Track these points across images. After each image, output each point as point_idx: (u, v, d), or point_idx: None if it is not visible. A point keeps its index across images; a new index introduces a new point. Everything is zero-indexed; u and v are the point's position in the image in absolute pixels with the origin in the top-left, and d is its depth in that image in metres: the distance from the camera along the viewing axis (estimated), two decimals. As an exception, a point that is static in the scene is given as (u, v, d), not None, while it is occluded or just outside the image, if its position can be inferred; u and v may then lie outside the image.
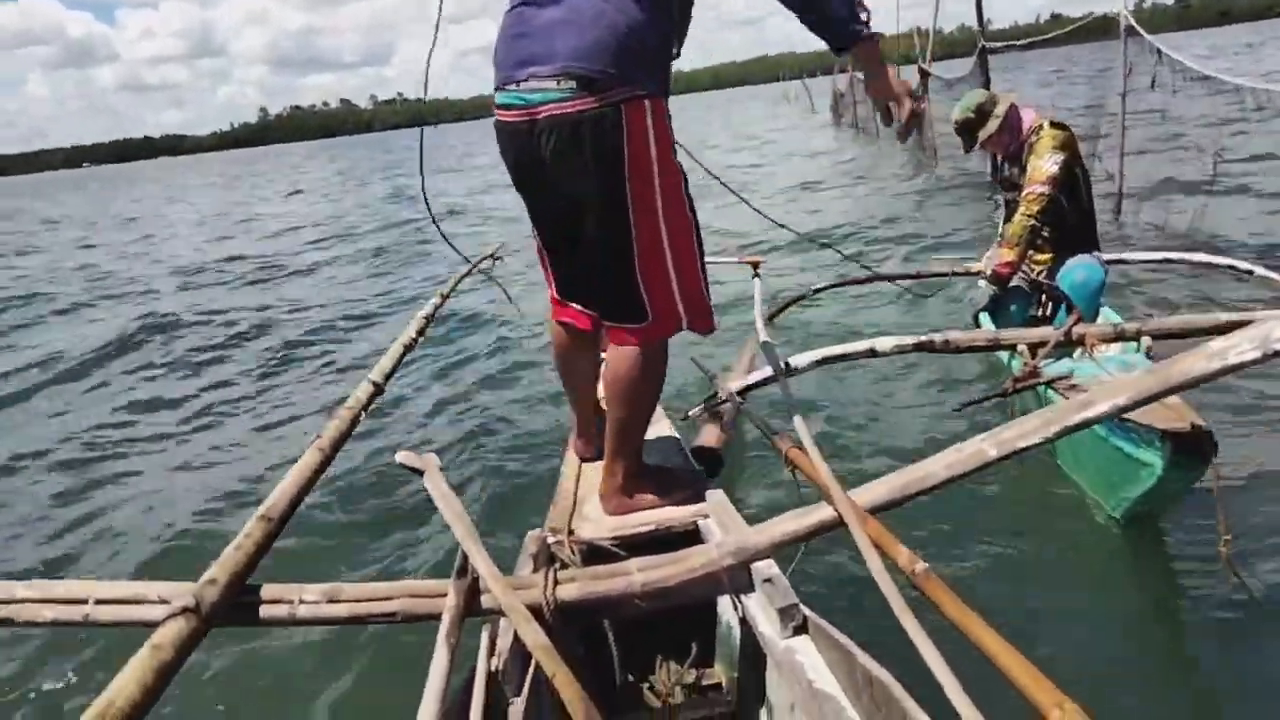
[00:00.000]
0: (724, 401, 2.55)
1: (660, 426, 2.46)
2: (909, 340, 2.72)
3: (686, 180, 1.82)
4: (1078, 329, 2.63)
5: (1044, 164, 3.33)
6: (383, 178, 25.73)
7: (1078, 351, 2.69)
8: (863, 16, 1.79)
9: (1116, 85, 6.85)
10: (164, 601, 1.44)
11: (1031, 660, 1.06)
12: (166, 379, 5.64)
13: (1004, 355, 3.13)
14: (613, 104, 1.68)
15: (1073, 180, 3.38)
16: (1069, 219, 3.41)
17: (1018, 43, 10.50)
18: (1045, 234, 3.41)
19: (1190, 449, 1.93)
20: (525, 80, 1.75)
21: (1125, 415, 1.94)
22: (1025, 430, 1.46)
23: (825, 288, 4.34)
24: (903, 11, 14.14)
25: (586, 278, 1.95)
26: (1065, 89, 18.83)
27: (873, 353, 2.75)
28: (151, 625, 1.36)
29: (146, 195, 33.22)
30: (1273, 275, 3.59)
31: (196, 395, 5.11)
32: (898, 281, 4.42)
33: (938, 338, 2.70)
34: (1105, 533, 2.42)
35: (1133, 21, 6.61)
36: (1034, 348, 2.63)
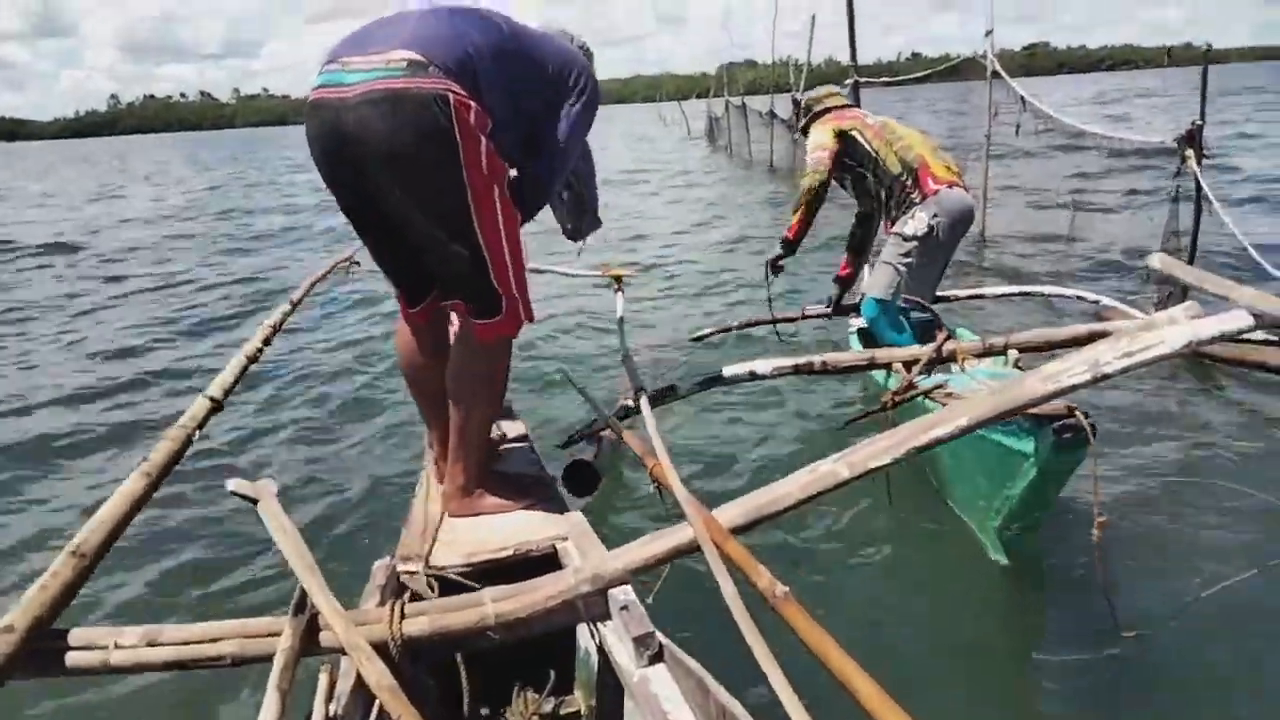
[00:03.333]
0: (601, 428, 2.54)
1: (513, 426, 2.47)
2: (788, 362, 2.79)
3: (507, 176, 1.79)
4: (948, 345, 2.76)
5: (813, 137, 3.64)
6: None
7: (953, 366, 2.79)
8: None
9: (978, 123, 7.28)
10: (-54, 654, 1.28)
11: (887, 687, 1.07)
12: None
13: (879, 375, 3.25)
14: (442, 92, 1.62)
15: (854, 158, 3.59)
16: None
17: (888, 80, 11.08)
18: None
19: (1069, 432, 1.98)
20: (350, 58, 1.68)
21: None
22: (876, 450, 1.50)
23: (709, 333, 4.47)
24: (776, 41, 14.73)
25: (436, 274, 1.90)
26: (932, 122, 19.92)
27: (753, 375, 2.81)
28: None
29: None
30: (1118, 305, 3.97)
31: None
32: (776, 325, 4.55)
33: (816, 360, 2.79)
34: (980, 560, 2.43)
35: (998, 67, 7.04)
36: (908, 365, 2.75)
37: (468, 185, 1.68)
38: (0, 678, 1.24)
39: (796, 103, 11.92)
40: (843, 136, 3.56)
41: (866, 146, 3.53)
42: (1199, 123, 4.50)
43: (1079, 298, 4.13)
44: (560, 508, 1.96)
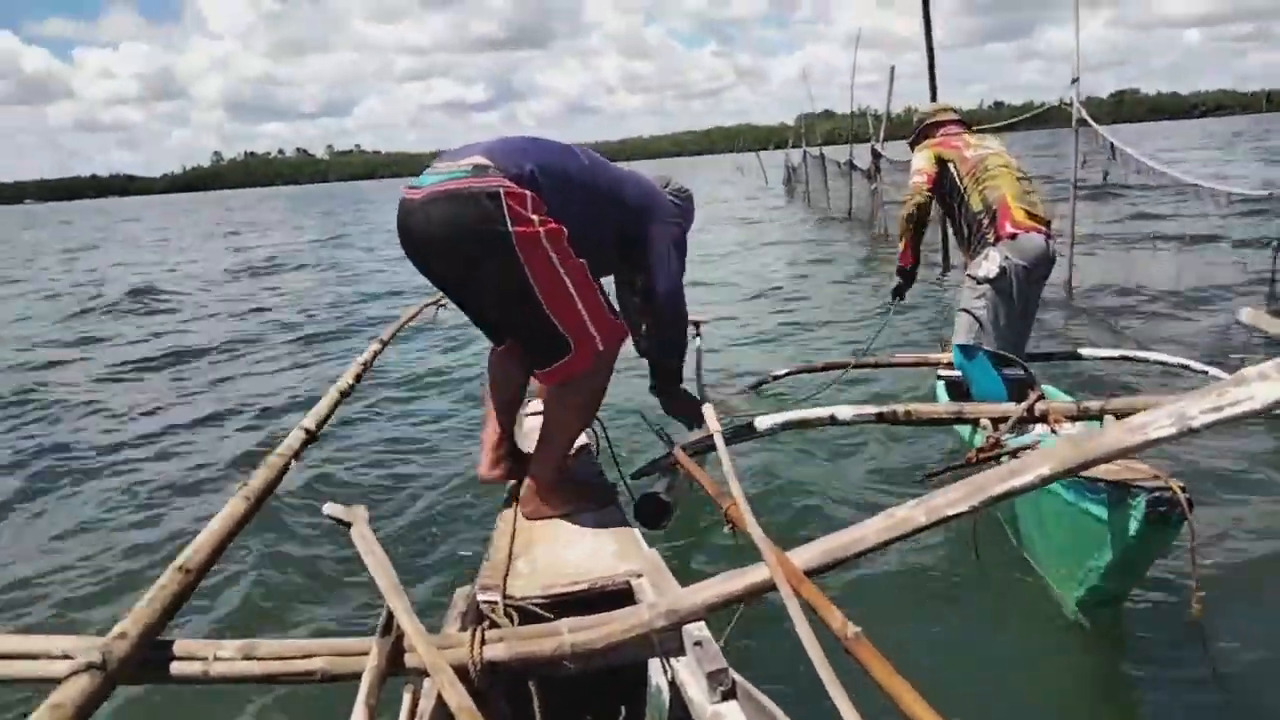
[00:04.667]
0: (674, 462, 2.55)
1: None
2: (870, 410, 2.73)
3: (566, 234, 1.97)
4: (1040, 405, 2.64)
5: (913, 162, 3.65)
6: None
7: (1039, 427, 2.66)
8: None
9: (1064, 170, 7.06)
10: (67, 657, 1.38)
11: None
12: (79, 417, 5.38)
13: (964, 430, 3.10)
14: (494, 189, 1.86)
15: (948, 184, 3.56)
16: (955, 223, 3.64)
17: (974, 127, 10.88)
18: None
19: (1164, 506, 1.85)
20: (440, 163, 1.98)
21: (1097, 476, 1.93)
22: (953, 499, 1.49)
23: (785, 374, 4.41)
24: (855, 92, 14.76)
25: (508, 329, 2.23)
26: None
27: (833, 420, 2.75)
28: (53, 682, 1.29)
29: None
30: (1224, 376, 3.59)
31: (113, 435, 4.89)
32: (857, 369, 4.49)
33: (900, 409, 2.72)
34: (1057, 614, 2.33)
35: (1085, 115, 6.83)
36: (996, 422, 2.63)
37: (524, 264, 1.89)
38: (115, 680, 1.32)
39: (876, 153, 11.93)
40: (941, 163, 3.55)
41: (956, 180, 3.50)
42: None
43: (1184, 366, 3.77)
44: (632, 538, 1.99)
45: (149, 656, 1.44)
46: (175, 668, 1.45)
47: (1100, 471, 1.90)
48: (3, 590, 2.95)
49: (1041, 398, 2.69)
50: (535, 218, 1.88)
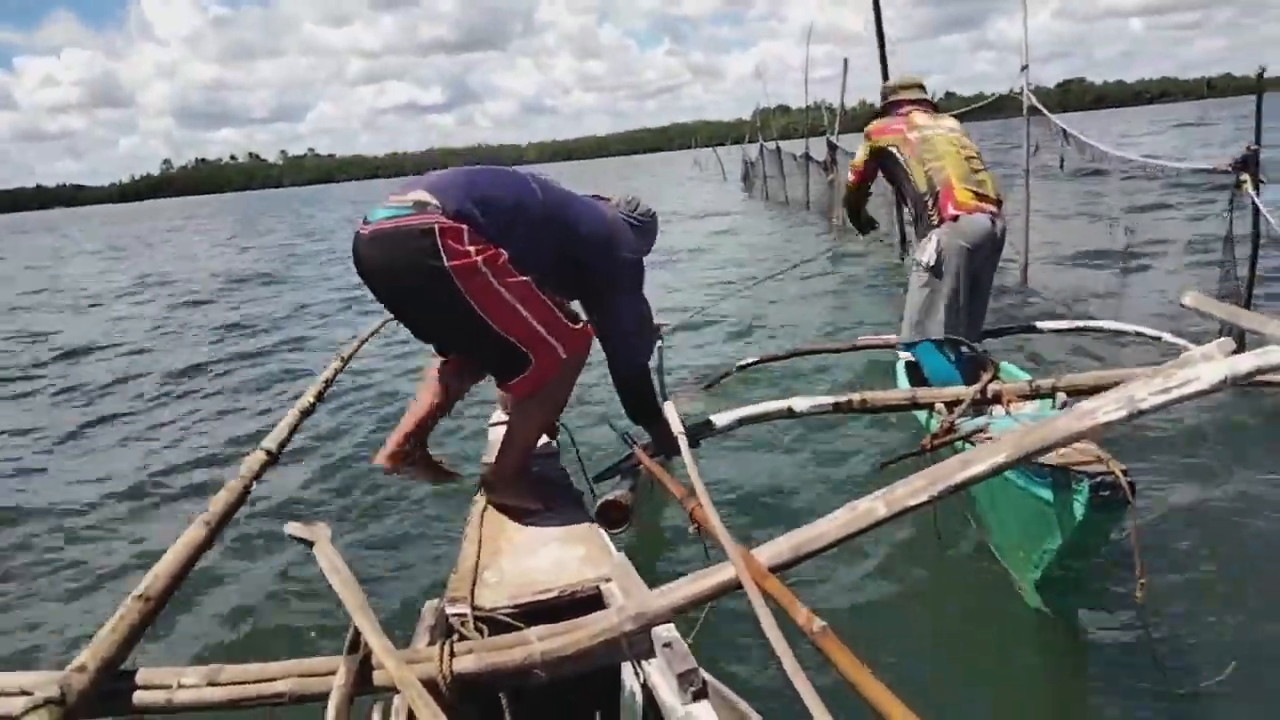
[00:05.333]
0: (636, 463, 2.55)
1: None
2: (826, 400, 2.76)
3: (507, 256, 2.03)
4: (993, 386, 2.67)
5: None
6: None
7: (994, 409, 2.70)
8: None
9: (1016, 159, 7.20)
10: (25, 693, 1.35)
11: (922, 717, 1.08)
12: (29, 437, 5.26)
13: (921, 416, 3.13)
14: (429, 225, 1.94)
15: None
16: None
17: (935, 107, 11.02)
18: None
19: (1107, 490, 1.88)
20: (392, 195, 2.05)
21: (1044, 462, 1.94)
22: (914, 489, 1.51)
23: (750, 363, 4.35)
24: (810, 86, 14.88)
25: (465, 352, 2.30)
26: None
27: (790, 413, 2.77)
28: (9, 720, 1.27)
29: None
30: (1179, 341, 3.63)
31: (65, 458, 4.78)
32: (820, 354, 4.62)
33: (855, 397, 2.75)
34: (1017, 601, 2.36)
35: (1036, 102, 6.98)
36: (951, 405, 2.67)
37: (464, 293, 1.96)
38: (75, 715, 1.30)
39: (831, 145, 12.06)
40: (880, 153, 3.65)
41: (902, 163, 3.54)
42: (1255, 147, 4.21)
43: (1138, 334, 3.88)
44: (599, 542, 2.00)
45: (110, 688, 1.42)
46: (138, 698, 1.43)
47: (1048, 456, 1.94)
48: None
49: (995, 378, 2.72)
50: (472, 249, 1.96)
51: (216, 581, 2.95)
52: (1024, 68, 7.06)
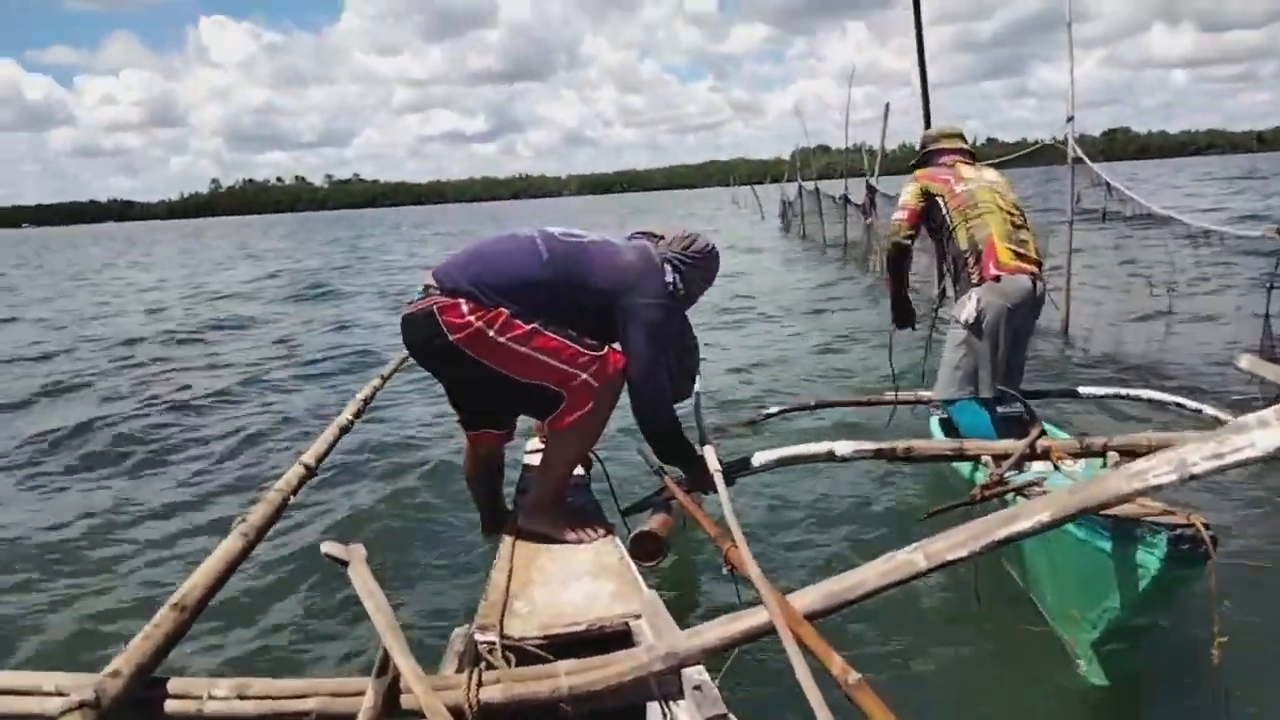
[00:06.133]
0: (670, 497, 2.54)
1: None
2: (869, 446, 2.70)
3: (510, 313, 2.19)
4: (1042, 442, 2.61)
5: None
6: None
7: (1041, 464, 2.62)
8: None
9: (1060, 206, 7.07)
10: (61, 694, 1.36)
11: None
12: (70, 449, 5.32)
13: (964, 468, 3.06)
14: (427, 309, 2.19)
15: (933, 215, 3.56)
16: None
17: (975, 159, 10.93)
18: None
19: (1187, 544, 1.76)
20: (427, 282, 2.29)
21: (1111, 514, 1.84)
22: (954, 543, 1.49)
23: (777, 412, 4.35)
24: (850, 129, 14.94)
25: (505, 408, 2.48)
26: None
27: (832, 456, 2.72)
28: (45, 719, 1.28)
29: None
30: (1220, 415, 3.48)
31: (107, 470, 4.83)
32: (851, 407, 4.52)
33: (900, 445, 2.70)
34: (1063, 662, 2.25)
35: (1080, 153, 6.88)
36: (998, 459, 2.60)
37: (476, 358, 2.17)
38: (107, 718, 1.31)
39: (871, 189, 12.04)
40: (928, 197, 3.53)
41: (945, 215, 3.47)
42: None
43: (1178, 405, 3.78)
44: (630, 577, 1.99)
45: (142, 695, 1.43)
46: (169, 706, 1.44)
47: (1114, 509, 1.86)
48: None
49: (1043, 434, 2.66)
50: (471, 317, 2.15)
51: (249, 593, 2.97)
52: (1070, 119, 6.99)
